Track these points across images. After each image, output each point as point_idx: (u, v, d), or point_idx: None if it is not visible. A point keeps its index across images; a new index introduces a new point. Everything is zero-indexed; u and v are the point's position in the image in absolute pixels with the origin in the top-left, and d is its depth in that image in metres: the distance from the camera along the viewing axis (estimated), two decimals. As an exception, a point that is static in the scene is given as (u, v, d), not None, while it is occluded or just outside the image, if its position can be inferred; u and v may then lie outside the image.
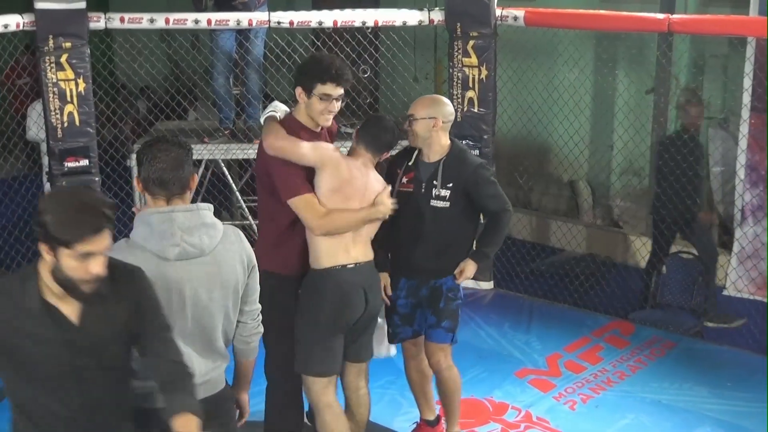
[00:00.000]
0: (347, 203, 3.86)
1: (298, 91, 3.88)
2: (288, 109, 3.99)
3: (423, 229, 4.18)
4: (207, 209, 3.05)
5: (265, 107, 6.96)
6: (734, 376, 5.40)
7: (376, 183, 3.98)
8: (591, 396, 5.18)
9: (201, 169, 6.92)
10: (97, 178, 6.39)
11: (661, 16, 5.99)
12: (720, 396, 5.15)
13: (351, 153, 4.06)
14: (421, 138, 4.16)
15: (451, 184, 4.16)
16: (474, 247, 4.33)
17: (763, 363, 5.52)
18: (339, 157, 3.91)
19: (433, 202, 4.17)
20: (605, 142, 7.88)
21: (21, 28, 5.99)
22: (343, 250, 3.89)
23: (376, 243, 4.10)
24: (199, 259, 2.99)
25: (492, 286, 6.74)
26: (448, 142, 4.24)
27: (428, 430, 4.58)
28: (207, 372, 3.11)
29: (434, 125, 4.15)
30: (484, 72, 6.37)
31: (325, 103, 3.83)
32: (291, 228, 3.94)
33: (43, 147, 6.82)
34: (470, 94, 6.41)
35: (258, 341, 3.38)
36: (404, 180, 4.21)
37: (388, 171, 4.31)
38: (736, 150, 6.39)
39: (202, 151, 6.65)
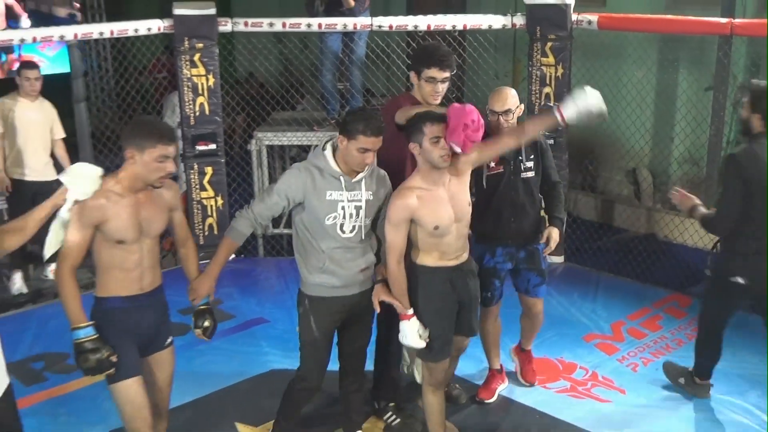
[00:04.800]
0: None
1: (412, 74, 4.04)
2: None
3: (518, 200, 4.28)
4: None
5: (366, 101, 7.07)
6: (785, 346, 5.27)
7: None
8: (651, 360, 5.11)
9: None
10: (222, 160, 6.55)
11: (724, 20, 5.83)
12: (771, 363, 5.02)
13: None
14: (512, 125, 4.19)
15: (532, 156, 4.29)
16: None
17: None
18: None
19: (524, 174, 4.28)
20: (667, 134, 7.69)
21: (161, 30, 6.18)
22: None
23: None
24: None
25: (563, 260, 6.70)
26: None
27: (499, 376, 4.72)
28: None
29: (520, 112, 4.26)
30: (560, 70, 6.29)
31: (431, 85, 3.95)
32: None
33: (178, 132, 7.00)
34: (547, 89, 6.36)
35: None
36: (492, 164, 4.24)
37: None
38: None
39: (311, 138, 6.76)
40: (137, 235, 3.23)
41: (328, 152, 3.55)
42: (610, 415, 4.51)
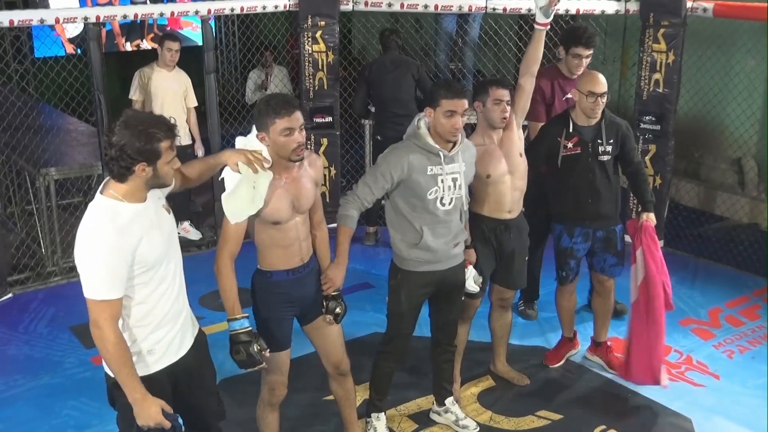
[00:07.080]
0: None
1: (560, 50, 4.66)
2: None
3: (595, 182, 4.22)
4: None
5: (477, 80, 6.97)
6: None
7: None
8: (748, 348, 4.90)
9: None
10: (337, 132, 6.58)
11: None
12: None
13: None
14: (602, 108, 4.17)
15: (612, 140, 4.19)
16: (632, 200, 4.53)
17: None
18: None
19: (601, 158, 4.20)
20: (776, 125, 7.27)
21: (287, 8, 6.22)
22: None
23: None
24: None
25: (662, 245, 6.42)
26: None
27: (569, 344, 4.73)
28: None
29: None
30: (672, 57, 6.02)
31: (577, 60, 4.59)
32: None
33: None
34: (657, 76, 6.08)
35: None
36: (569, 145, 4.19)
37: (548, 141, 4.26)
38: None
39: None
40: (291, 214, 3.19)
41: (423, 130, 3.55)
42: (703, 400, 4.36)
